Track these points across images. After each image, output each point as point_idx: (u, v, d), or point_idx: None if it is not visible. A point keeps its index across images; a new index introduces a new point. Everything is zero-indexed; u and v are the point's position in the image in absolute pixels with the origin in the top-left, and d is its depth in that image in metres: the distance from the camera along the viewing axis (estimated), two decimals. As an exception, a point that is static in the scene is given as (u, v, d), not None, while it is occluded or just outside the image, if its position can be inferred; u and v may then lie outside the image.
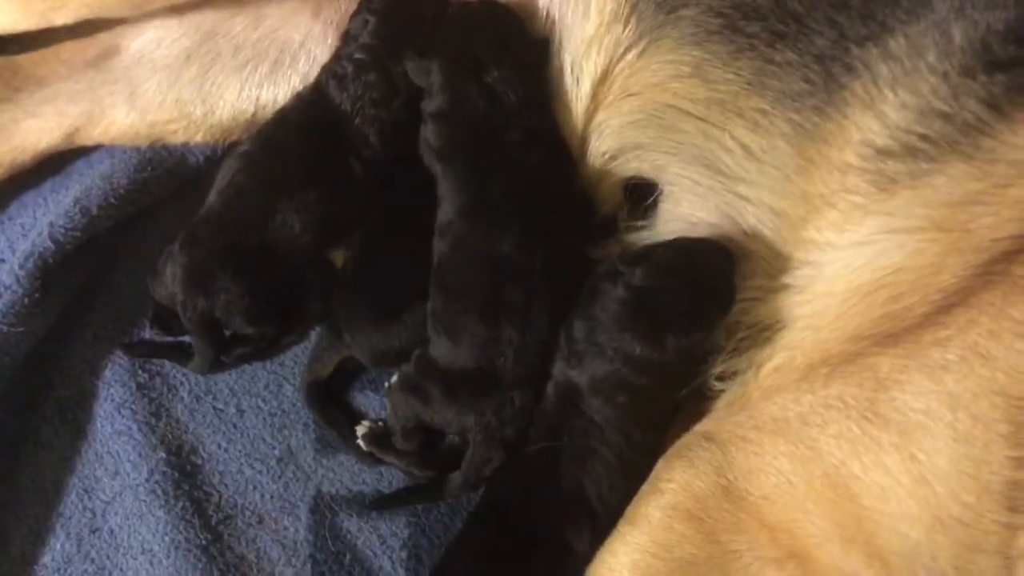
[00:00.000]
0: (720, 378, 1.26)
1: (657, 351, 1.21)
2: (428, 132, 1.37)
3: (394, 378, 1.35)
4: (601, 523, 1.19)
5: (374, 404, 1.43)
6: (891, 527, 1.01)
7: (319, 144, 1.40)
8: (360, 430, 1.37)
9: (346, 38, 1.44)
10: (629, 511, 1.17)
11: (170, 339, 1.45)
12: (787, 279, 1.23)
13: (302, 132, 1.41)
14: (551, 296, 1.29)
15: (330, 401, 1.41)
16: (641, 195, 1.38)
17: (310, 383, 1.41)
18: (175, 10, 1.48)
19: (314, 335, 1.46)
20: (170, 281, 1.34)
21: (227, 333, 1.39)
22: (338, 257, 1.47)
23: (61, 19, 1.42)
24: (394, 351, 1.35)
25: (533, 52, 1.40)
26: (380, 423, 1.38)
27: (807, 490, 1.06)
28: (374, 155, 1.41)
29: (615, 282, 1.23)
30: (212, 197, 1.39)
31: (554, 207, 1.34)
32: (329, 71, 1.43)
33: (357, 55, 1.41)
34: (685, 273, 1.22)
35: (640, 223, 1.37)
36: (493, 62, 1.36)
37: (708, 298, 1.22)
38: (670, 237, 1.29)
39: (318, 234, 1.38)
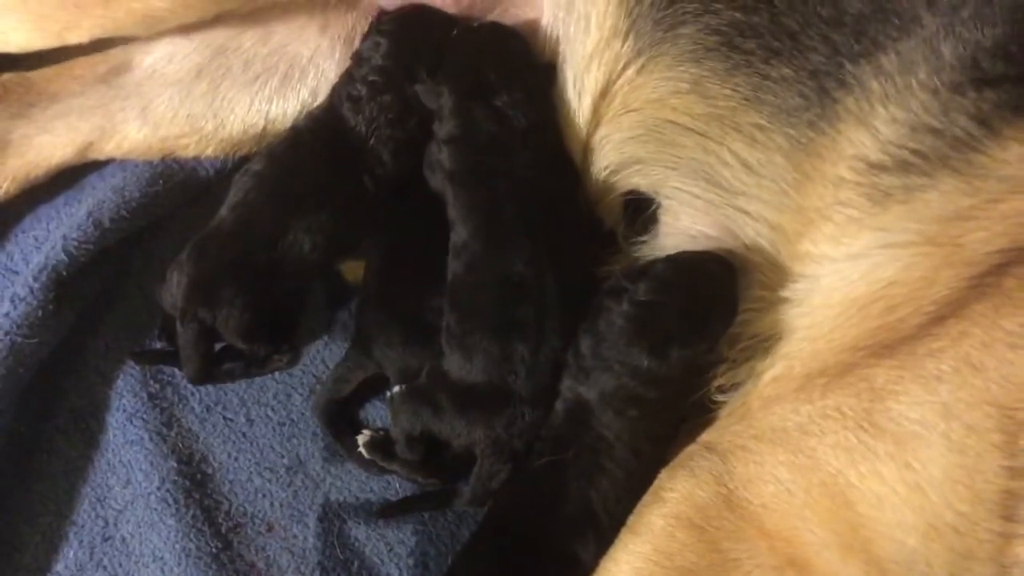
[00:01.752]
0: (721, 390, 1.27)
1: (664, 364, 1.22)
2: (443, 156, 1.38)
3: (396, 388, 1.36)
4: (607, 534, 1.19)
5: (380, 413, 1.44)
6: (887, 535, 1.01)
7: (333, 164, 1.42)
8: (361, 439, 1.37)
9: (358, 59, 1.46)
10: (632, 520, 1.17)
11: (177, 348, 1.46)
12: (785, 291, 1.24)
13: (316, 152, 1.43)
14: (562, 313, 1.30)
15: (339, 414, 1.42)
16: (640, 209, 1.40)
17: (329, 400, 1.42)
18: (187, 28, 1.49)
19: (322, 349, 1.48)
20: (174, 288, 1.35)
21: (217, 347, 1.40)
22: (347, 270, 1.49)
23: (75, 38, 1.42)
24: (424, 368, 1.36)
25: (540, 75, 1.42)
26: (381, 431, 1.39)
27: (805, 499, 1.06)
28: (387, 173, 1.42)
29: (619, 298, 1.24)
30: (224, 212, 1.40)
31: (563, 226, 1.36)
32: (343, 93, 1.44)
33: (371, 77, 1.42)
34: (687, 286, 1.23)
35: (641, 238, 1.38)
36: (502, 86, 1.38)
37: (710, 309, 1.24)
38: (671, 251, 1.30)
39: (327, 252, 1.40)
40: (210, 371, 1.40)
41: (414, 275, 1.41)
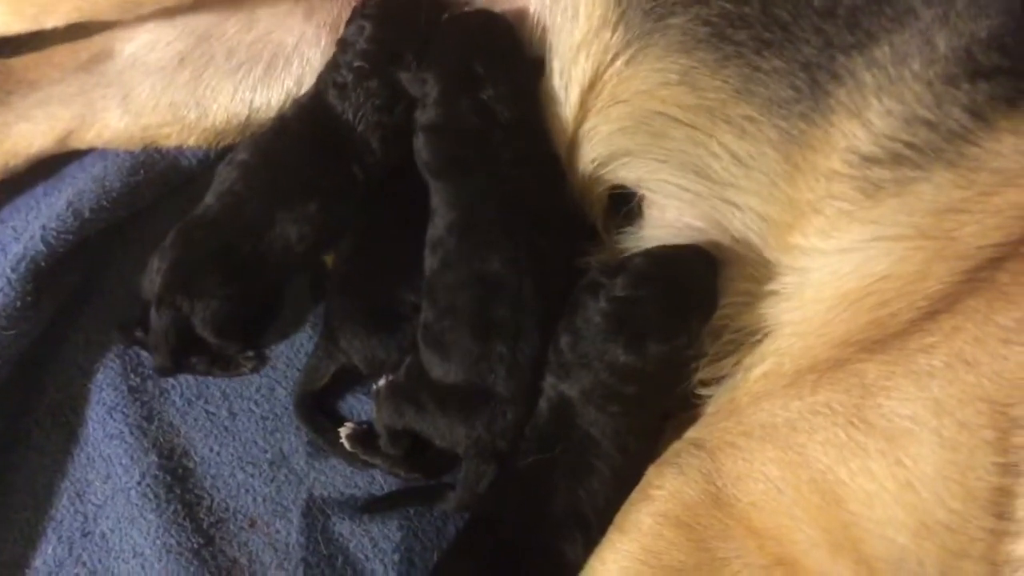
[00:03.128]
0: (705, 383, 1.26)
1: (641, 359, 1.21)
2: (419, 145, 1.37)
3: (381, 382, 1.35)
4: (595, 533, 1.19)
5: (365, 407, 1.42)
6: (878, 533, 1.01)
7: (321, 154, 1.41)
8: (344, 431, 1.36)
9: (343, 45, 1.44)
10: (619, 518, 1.16)
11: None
12: (775, 285, 1.23)
13: (303, 142, 1.42)
14: (541, 312, 1.29)
15: (319, 408, 1.41)
16: (624, 202, 1.39)
17: (303, 393, 1.40)
18: (168, 13, 1.48)
19: (306, 342, 1.47)
20: (154, 274, 1.35)
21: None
22: (331, 261, 1.47)
23: (52, 22, 1.41)
24: (393, 359, 1.35)
25: (528, 69, 1.40)
26: (364, 425, 1.38)
27: (795, 496, 1.06)
28: (376, 161, 1.41)
29: (596, 294, 1.24)
30: (209, 199, 1.39)
31: (545, 225, 1.34)
32: (328, 80, 1.43)
33: (356, 62, 1.41)
34: (664, 279, 1.23)
35: (628, 230, 1.37)
36: (489, 79, 1.36)
37: (688, 303, 1.23)
38: (656, 243, 1.30)
39: (314, 243, 1.39)
40: (178, 363, 1.38)
41: (384, 265, 1.40)
